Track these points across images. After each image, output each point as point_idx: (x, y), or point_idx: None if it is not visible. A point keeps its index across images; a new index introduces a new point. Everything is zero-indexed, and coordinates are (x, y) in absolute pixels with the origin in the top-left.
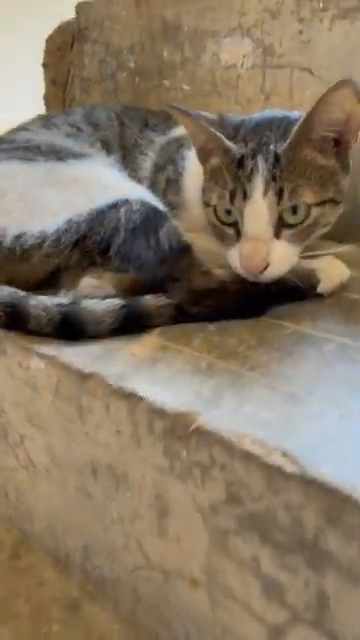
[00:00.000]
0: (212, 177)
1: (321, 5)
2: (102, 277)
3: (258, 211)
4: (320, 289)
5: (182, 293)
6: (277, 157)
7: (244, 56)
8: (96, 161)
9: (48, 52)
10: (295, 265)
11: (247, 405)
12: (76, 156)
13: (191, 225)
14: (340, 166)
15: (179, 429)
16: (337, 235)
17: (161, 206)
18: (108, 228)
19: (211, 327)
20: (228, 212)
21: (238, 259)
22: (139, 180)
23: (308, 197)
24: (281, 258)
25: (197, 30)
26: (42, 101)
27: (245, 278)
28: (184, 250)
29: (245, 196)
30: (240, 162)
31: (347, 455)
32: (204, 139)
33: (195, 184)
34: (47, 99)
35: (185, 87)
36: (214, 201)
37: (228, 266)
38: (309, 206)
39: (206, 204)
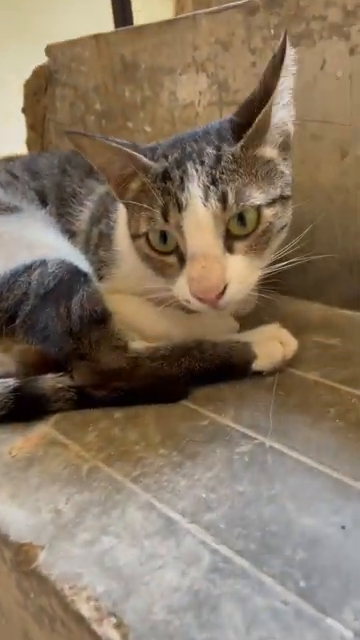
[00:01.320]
0: (136, 202)
1: (272, 32)
2: (9, 350)
3: (201, 221)
4: (257, 366)
5: (87, 373)
6: (218, 159)
7: (200, 93)
8: (22, 216)
9: (26, 97)
10: (227, 337)
11: (107, 537)
12: (1, 210)
13: (123, 284)
14: (283, 155)
15: (23, 563)
16: (307, 291)
17: (84, 266)
18: (17, 294)
19: (117, 414)
20: (163, 237)
21: (188, 285)
22: (74, 234)
23: (256, 198)
24: (241, 275)
25: (154, 67)
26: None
27: (165, 352)
28: (98, 320)
29: (181, 207)
30: (165, 175)
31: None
32: (119, 164)
33: (126, 236)
34: (28, 144)
35: (147, 129)
36: (143, 227)
37: (160, 330)
38: (259, 208)
39: (134, 236)
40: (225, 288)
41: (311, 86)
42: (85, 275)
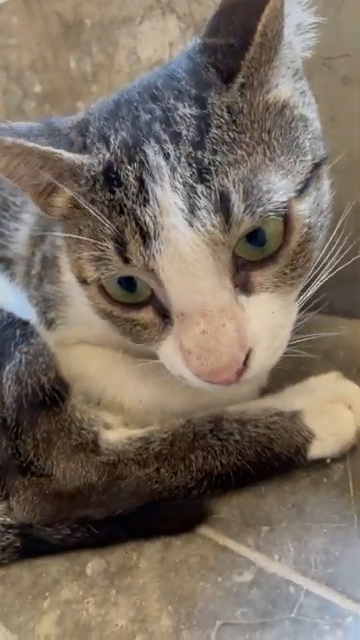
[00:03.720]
0: (71, 231)
1: None
2: None
3: (188, 257)
4: (316, 452)
5: (33, 500)
6: (204, 124)
7: (171, 44)
8: None
9: None
10: (260, 405)
11: None
12: None
13: (83, 330)
14: (298, 86)
15: None
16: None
17: (24, 311)
18: None
19: (91, 567)
20: (128, 283)
21: (187, 362)
22: (10, 262)
23: (280, 189)
24: (271, 327)
25: (103, 22)
26: None
27: (162, 446)
28: (46, 402)
29: (146, 237)
30: (109, 177)
31: None
32: (25, 171)
33: None
34: None
35: None
36: (90, 272)
37: (149, 401)
38: (285, 208)
39: (81, 281)
40: (249, 356)
41: (335, 13)
42: (24, 326)
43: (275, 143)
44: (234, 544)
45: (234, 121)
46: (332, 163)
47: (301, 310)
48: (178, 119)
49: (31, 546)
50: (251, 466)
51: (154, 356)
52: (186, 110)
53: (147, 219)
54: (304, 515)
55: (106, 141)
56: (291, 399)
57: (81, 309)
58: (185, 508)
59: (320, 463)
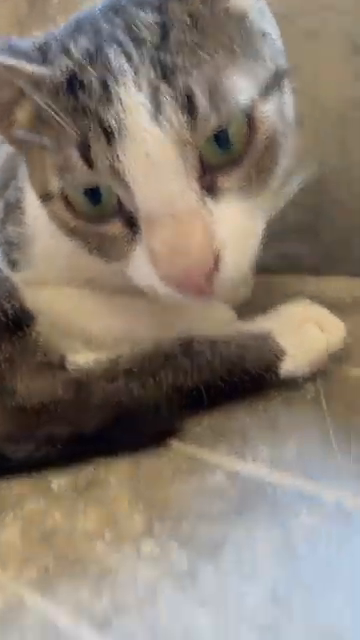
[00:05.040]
0: (30, 141)
1: None
2: None
3: (154, 153)
4: (288, 369)
5: None
6: (164, 27)
7: None
8: None
9: None
10: (232, 327)
11: None
12: None
13: (47, 272)
14: (260, 6)
15: None
16: (320, 262)
17: None
18: None
19: (56, 482)
20: (93, 193)
21: (155, 268)
22: None
23: (245, 88)
24: (239, 231)
25: None
26: None
27: (131, 365)
28: (9, 326)
29: (111, 136)
30: (72, 83)
31: None
32: None
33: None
34: None
35: None
36: (53, 183)
37: (118, 331)
38: (249, 108)
39: (42, 197)
40: (217, 259)
41: None
42: None
43: (237, 48)
44: (207, 453)
45: (195, 26)
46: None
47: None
48: (140, 25)
49: None
50: (222, 382)
51: (120, 290)
52: (148, 16)
53: (111, 119)
54: (277, 426)
55: (67, 52)
56: (262, 323)
57: (45, 249)
58: (155, 423)
59: (292, 383)
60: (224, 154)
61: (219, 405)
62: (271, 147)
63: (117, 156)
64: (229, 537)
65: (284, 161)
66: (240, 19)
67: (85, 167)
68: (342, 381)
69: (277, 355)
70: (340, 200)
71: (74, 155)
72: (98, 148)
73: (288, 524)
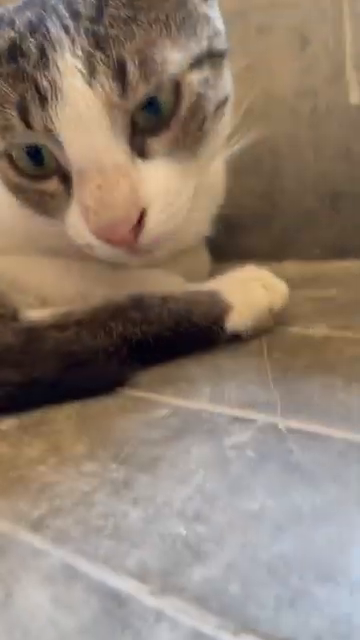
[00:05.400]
0: None
1: None
2: None
3: (85, 115)
4: (234, 323)
5: None
6: (101, 5)
7: None
8: None
9: None
10: (182, 287)
11: None
12: None
13: (2, 241)
14: None
15: None
16: (273, 249)
17: None
18: None
19: (6, 424)
20: (35, 153)
21: (84, 220)
22: None
23: (174, 60)
24: (165, 189)
25: None
26: None
27: (83, 316)
28: None
29: (46, 98)
30: (13, 50)
31: None
32: None
33: None
34: None
35: None
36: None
37: (71, 293)
38: (177, 78)
39: None
40: (142, 215)
41: None
42: None
43: (173, 24)
44: (153, 395)
45: (130, 4)
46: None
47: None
48: (79, 0)
49: None
50: (171, 333)
51: (74, 256)
52: None
53: (45, 83)
54: (222, 372)
55: (12, 23)
56: (208, 283)
57: (3, 220)
58: (106, 372)
59: (238, 340)
60: (154, 119)
61: (169, 359)
62: (197, 114)
63: (50, 117)
64: (166, 455)
65: (214, 127)
66: (181, 1)
67: (23, 127)
68: (281, 335)
69: (224, 309)
70: (290, 188)
71: (14, 116)
72: (34, 110)
73: (221, 441)
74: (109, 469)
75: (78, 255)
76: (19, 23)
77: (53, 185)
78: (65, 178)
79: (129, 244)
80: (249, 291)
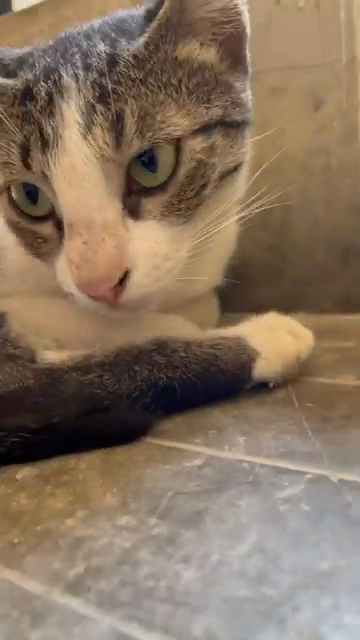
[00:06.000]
0: None
1: None
2: None
3: (78, 165)
4: (261, 371)
5: None
6: (112, 61)
7: None
8: None
9: None
10: (205, 332)
11: None
12: None
13: (13, 284)
14: (230, 64)
15: None
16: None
17: None
18: None
19: (22, 472)
20: (33, 194)
21: (70, 273)
22: None
23: (177, 124)
24: (153, 253)
25: None
26: None
27: (105, 358)
28: None
29: (46, 144)
30: (27, 94)
31: None
32: None
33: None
34: None
35: None
36: (1, 180)
37: (89, 334)
38: (178, 141)
39: None
40: (126, 275)
41: (265, 27)
42: None
43: (184, 89)
44: (181, 444)
45: (140, 66)
46: (263, 167)
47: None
48: (94, 53)
49: None
50: (197, 379)
51: None
52: (102, 47)
53: (49, 129)
54: (251, 420)
55: (32, 67)
56: (233, 329)
57: (15, 262)
58: (128, 418)
59: (261, 388)
60: (151, 177)
61: (193, 406)
62: (195, 180)
63: (48, 163)
64: (210, 508)
65: (216, 195)
66: (196, 67)
67: (23, 167)
68: (309, 385)
69: (251, 356)
70: (300, 242)
71: (15, 154)
72: (34, 152)
73: (270, 494)
74: (148, 524)
75: None
76: (37, 67)
77: (47, 229)
78: (59, 223)
79: (109, 302)
80: (276, 338)
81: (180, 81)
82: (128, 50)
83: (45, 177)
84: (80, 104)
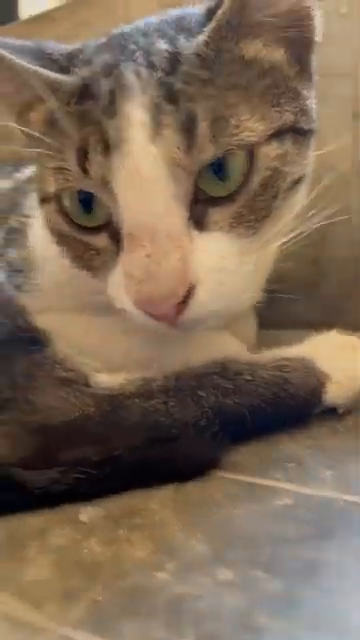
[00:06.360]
0: (36, 143)
1: None
2: None
3: (145, 170)
4: (332, 395)
5: (10, 433)
6: (175, 59)
7: None
8: None
9: None
10: (266, 352)
11: None
12: None
13: (48, 297)
14: (298, 70)
15: None
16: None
17: None
18: None
19: (86, 513)
20: (87, 202)
21: (127, 289)
22: None
23: (252, 127)
24: (220, 268)
25: None
26: None
27: (167, 382)
28: (25, 339)
29: (109, 146)
30: (85, 92)
31: None
32: (13, 85)
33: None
34: None
35: None
36: (51, 185)
37: (141, 355)
38: (252, 147)
39: (43, 200)
40: (190, 292)
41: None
42: None
43: (254, 92)
44: (261, 480)
45: (205, 66)
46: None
47: None
48: (155, 51)
49: (4, 496)
50: (267, 405)
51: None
52: (163, 46)
53: (111, 131)
54: (327, 451)
55: (89, 63)
56: (297, 349)
57: (53, 275)
58: (198, 449)
59: (331, 415)
60: (220, 187)
61: (259, 434)
62: (268, 189)
63: (110, 168)
64: (322, 559)
65: (285, 206)
66: (269, 70)
67: (80, 173)
68: None
69: (320, 380)
70: (340, 256)
71: (72, 159)
72: (94, 157)
73: None
74: (255, 578)
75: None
76: (96, 63)
77: (102, 241)
78: (115, 235)
79: (169, 320)
80: (346, 360)
81: (250, 82)
82: (190, 49)
83: (105, 183)
84: (146, 104)
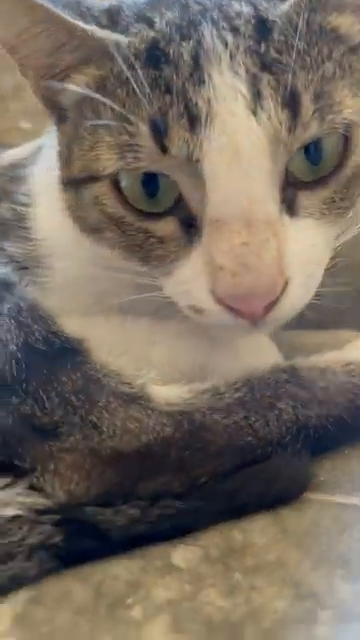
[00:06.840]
0: (81, 120)
1: None
2: None
3: (245, 149)
4: None
5: (79, 466)
6: (263, 25)
7: None
8: None
9: None
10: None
11: None
12: None
13: (63, 297)
14: None
15: None
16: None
17: None
18: None
19: (177, 559)
20: (150, 184)
21: (210, 281)
22: None
23: (351, 105)
24: (309, 256)
25: None
26: None
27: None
28: (69, 347)
29: (196, 120)
30: (153, 55)
31: None
32: (45, 46)
33: (56, 214)
34: None
35: (24, 125)
36: (108, 164)
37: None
38: (349, 126)
39: (76, 180)
40: (286, 285)
41: None
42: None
43: (348, 66)
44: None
45: (300, 34)
46: None
47: None
48: (237, 13)
49: (79, 543)
50: (345, 415)
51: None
52: (242, 8)
53: (200, 102)
54: None
55: (148, 21)
56: (343, 353)
57: (65, 271)
58: (290, 471)
59: None
60: (312, 170)
61: (336, 448)
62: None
63: (201, 144)
64: None
65: None
66: (353, 45)
67: (156, 149)
68: None
69: None
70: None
71: (144, 134)
72: (177, 132)
73: None
74: None
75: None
76: (159, 22)
77: (168, 227)
78: (186, 221)
79: (256, 319)
80: None
81: (343, 56)
82: (278, 15)
83: (191, 162)
84: (240, 72)
